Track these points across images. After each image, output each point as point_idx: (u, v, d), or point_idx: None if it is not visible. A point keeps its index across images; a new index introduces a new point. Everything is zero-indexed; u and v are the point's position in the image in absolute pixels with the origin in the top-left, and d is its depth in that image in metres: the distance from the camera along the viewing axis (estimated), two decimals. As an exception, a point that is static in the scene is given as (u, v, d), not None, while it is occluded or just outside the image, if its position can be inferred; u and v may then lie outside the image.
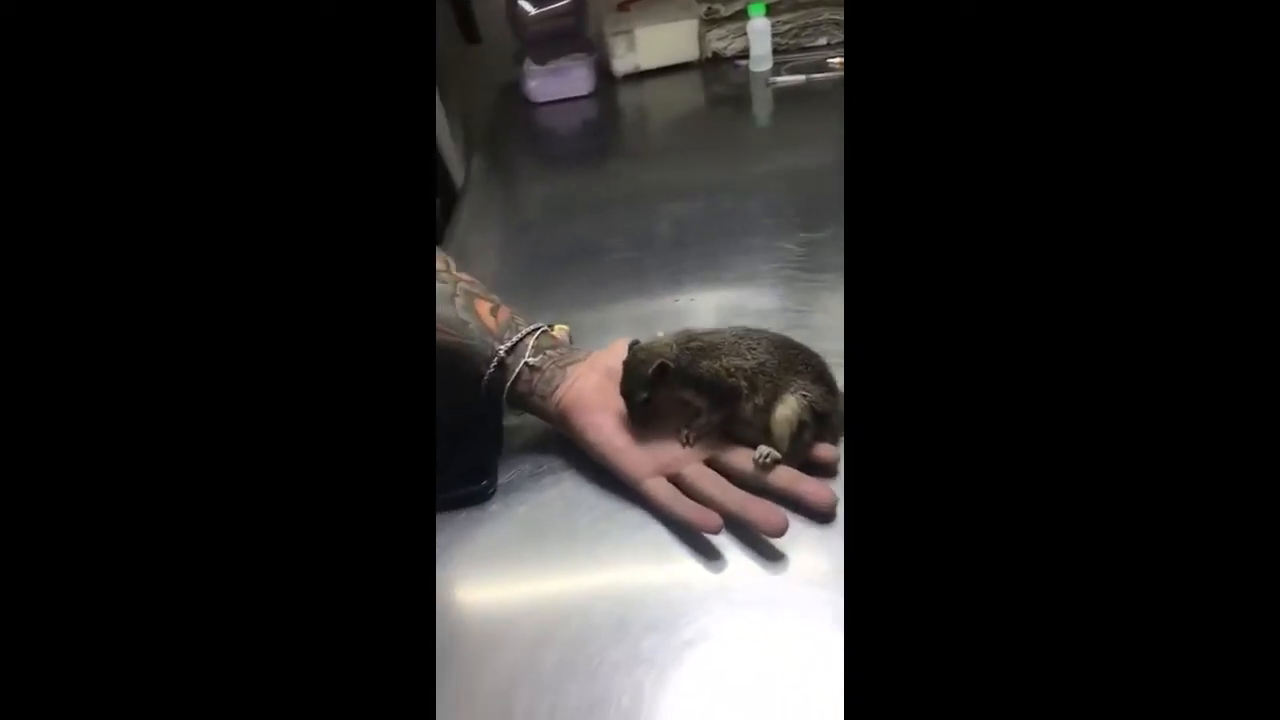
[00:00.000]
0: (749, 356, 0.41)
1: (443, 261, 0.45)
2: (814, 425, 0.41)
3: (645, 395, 0.41)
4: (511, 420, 0.49)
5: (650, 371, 0.41)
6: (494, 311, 0.45)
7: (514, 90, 1.15)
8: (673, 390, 0.42)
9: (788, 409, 0.41)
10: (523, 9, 1.11)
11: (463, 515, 0.45)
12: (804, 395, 0.41)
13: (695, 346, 0.42)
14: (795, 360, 0.42)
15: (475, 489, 0.45)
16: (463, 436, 0.49)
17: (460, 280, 0.45)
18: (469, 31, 1.17)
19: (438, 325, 0.43)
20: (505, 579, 0.42)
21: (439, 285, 0.44)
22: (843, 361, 0.41)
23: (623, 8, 1.12)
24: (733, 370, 0.41)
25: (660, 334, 0.43)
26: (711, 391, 0.42)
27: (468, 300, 0.44)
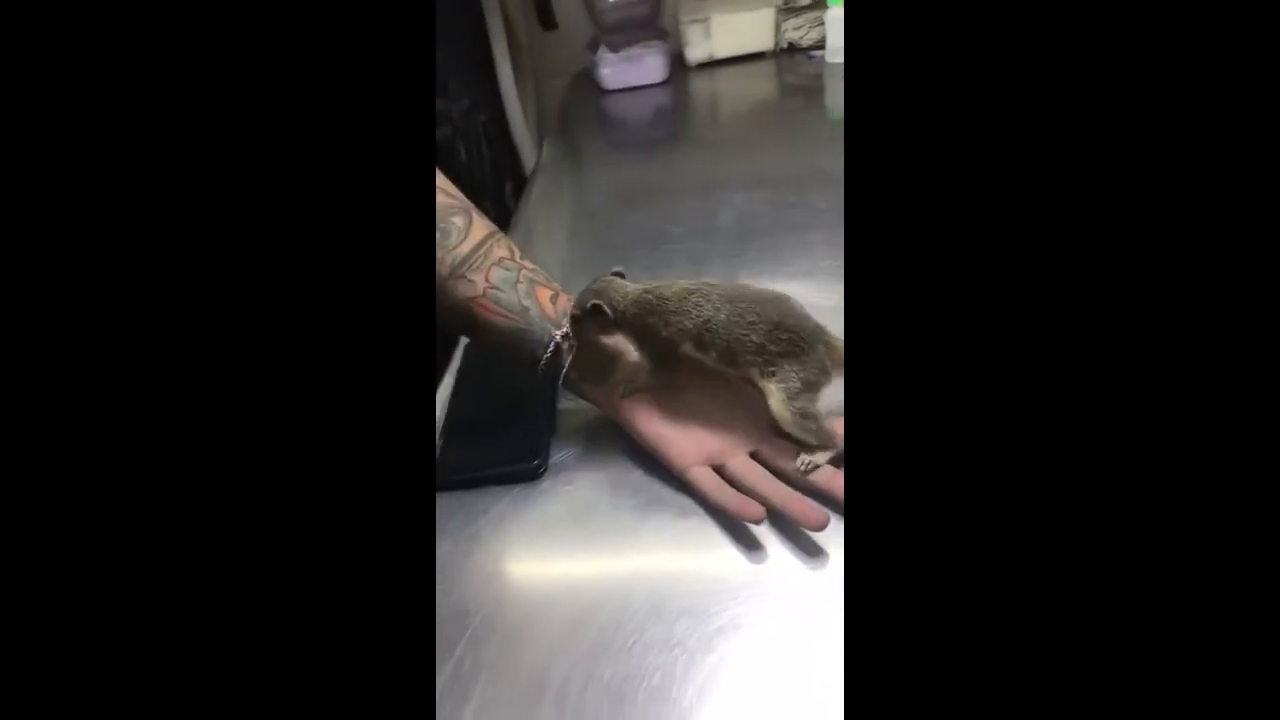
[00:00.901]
0: (694, 314, 0.41)
1: (507, 248, 0.46)
2: (813, 400, 0.41)
3: (576, 320, 0.43)
4: (565, 404, 0.51)
5: (588, 305, 0.43)
6: (554, 299, 0.46)
7: (587, 77, 1.16)
8: (610, 334, 0.44)
9: (778, 405, 0.40)
10: (600, -4, 1.12)
11: (513, 492, 0.46)
12: (782, 384, 0.40)
13: (647, 300, 0.42)
14: (748, 315, 0.40)
15: (527, 467, 0.47)
16: (516, 416, 0.50)
17: (524, 267, 0.46)
18: (545, 18, 1.19)
19: (500, 309, 0.45)
20: (550, 556, 0.43)
21: (504, 271, 0.45)
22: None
23: (699, -4, 1.12)
24: (675, 330, 0.41)
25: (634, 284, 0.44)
26: (650, 349, 0.43)
27: (529, 287, 0.46)
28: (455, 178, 0.47)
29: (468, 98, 1.09)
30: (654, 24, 1.14)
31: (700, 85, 1.11)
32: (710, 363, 0.42)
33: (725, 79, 1.10)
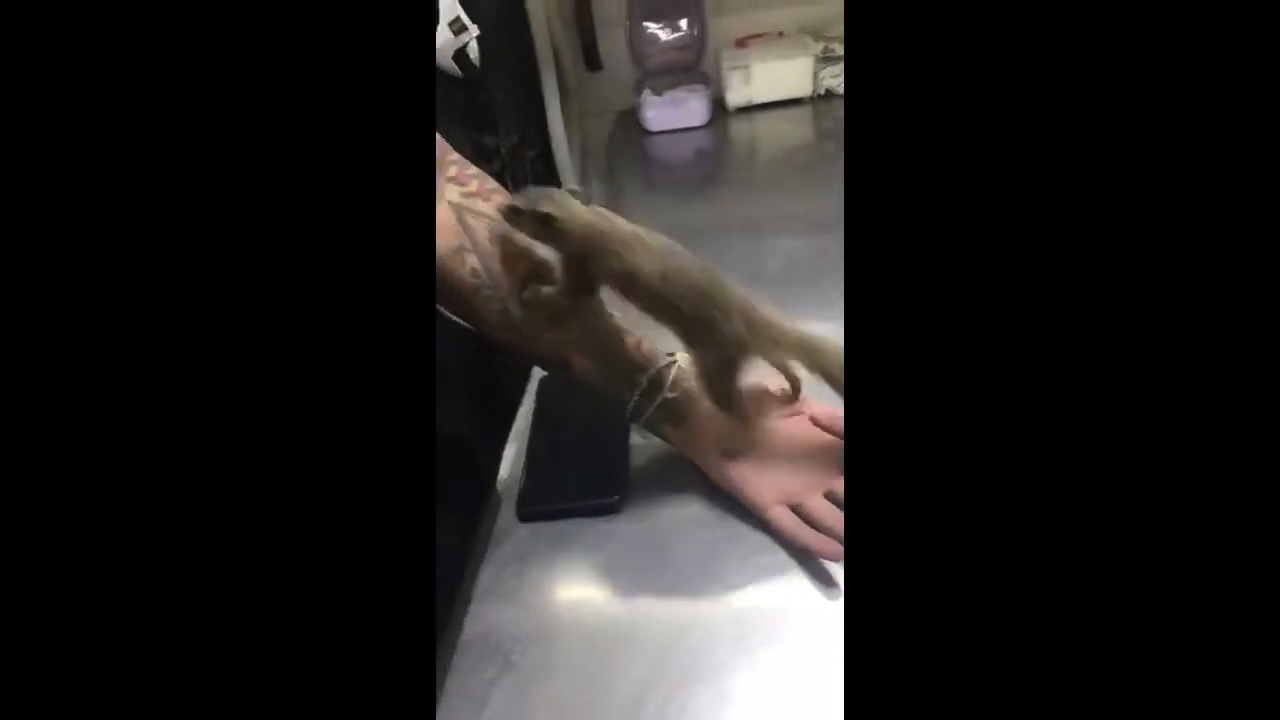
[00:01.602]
0: (628, 261, 0.43)
1: (596, 299, 0.50)
2: (732, 377, 0.44)
3: (516, 213, 0.44)
4: (637, 439, 0.54)
5: (540, 210, 0.43)
6: (639, 345, 0.49)
7: (631, 117, 1.21)
8: (543, 243, 0.45)
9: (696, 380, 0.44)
10: (650, 35, 1.17)
11: (593, 526, 0.50)
12: (700, 361, 0.43)
13: (594, 232, 0.43)
14: (676, 278, 0.43)
15: (607, 501, 0.50)
16: (592, 450, 0.54)
17: (614, 316, 0.49)
18: (591, 60, 1.23)
19: (592, 353, 0.48)
20: (633, 588, 0.46)
21: (601, 320, 0.49)
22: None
23: (740, 44, 1.16)
24: (605, 270, 0.43)
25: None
26: (574, 275, 0.45)
27: (619, 334, 0.49)
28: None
29: (516, 134, 1.13)
30: (696, 69, 1.18)
31: (740, 128, 1.15)
32: (635, 310, 0.44)
33: (764, 122, 1.15)
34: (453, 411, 0.52)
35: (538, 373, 0.63)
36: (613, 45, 1.22)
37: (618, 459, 0.53)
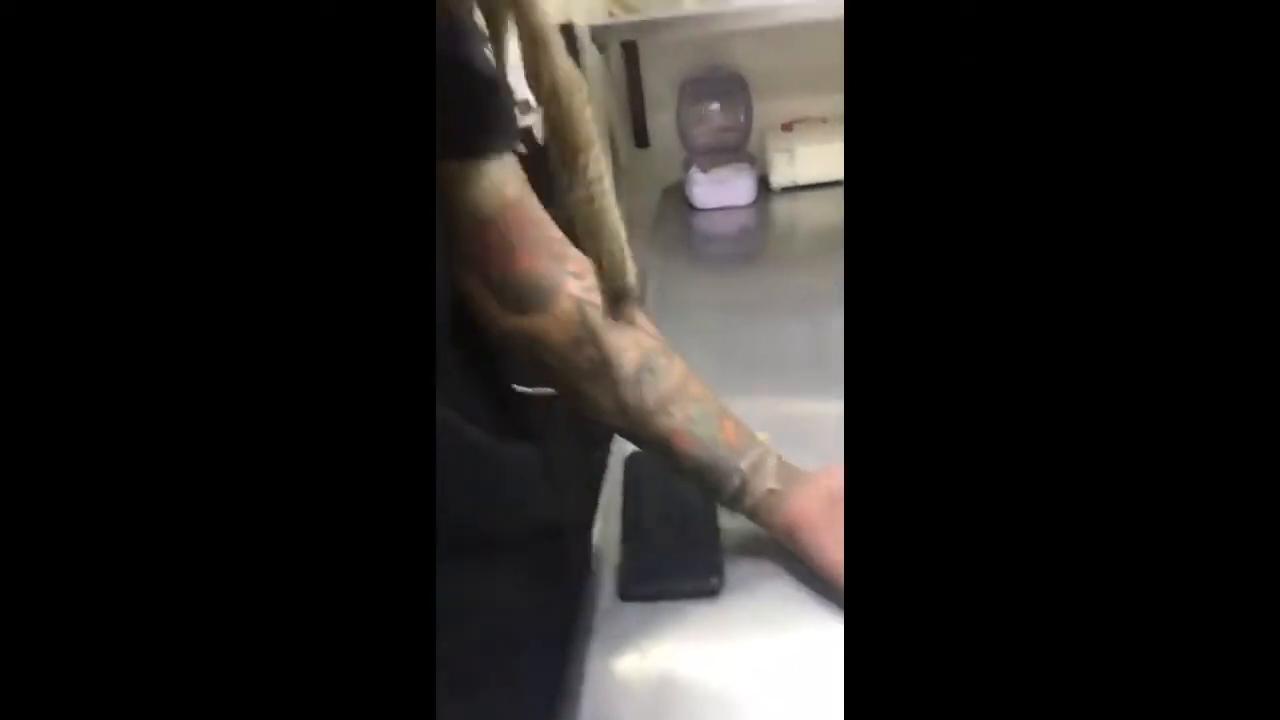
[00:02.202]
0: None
1: (699, 385, 0.52)
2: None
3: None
4: (725, 519, 0.56)
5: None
6: (735, 429, 0.52)
7: (676, 192, 1.26)
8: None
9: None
10: (698, 117, 1.22)
11: (694, 609, 0.51)
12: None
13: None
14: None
15: (707, 585, 0.52)
16: (687, 531, 0.56)
17: (713, 401, 0.52)
18: (640, 137, 1.29)
19: (695, 441, 0.51)
20: (737, 669, 0.47)
21: (698, 406, 0.51)
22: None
23: (786, 127, 1.22)
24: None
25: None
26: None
27: (718, 420, 0.51)
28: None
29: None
30: (742, 149, 1.24)
31: (783, 207, 1.20)
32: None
33: (807, 202, 1.19)
34: (545, 490, 0.54)
35: (621, 447, 0.65)
36: (661, 123, 1.28)
37: (711, 539, 0.55)
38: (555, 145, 0.42)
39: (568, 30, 1.09)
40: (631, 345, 0.50)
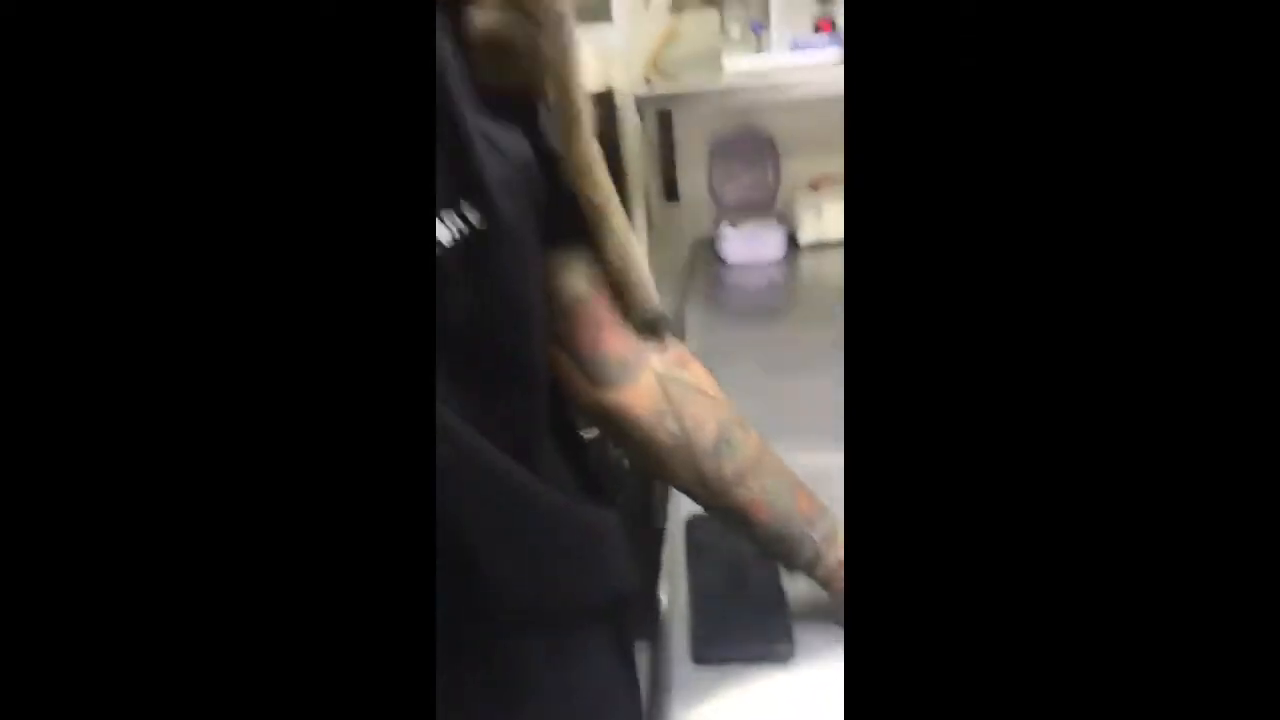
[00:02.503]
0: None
1: (774, 457, 0.54)
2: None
3: None
4: (789, 583, 0.58)
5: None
6: (807, 499, 0.54)
7: (706, 246, 1.29)
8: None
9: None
10: (728, 174, 1.26)
11: (765, 674, 0.53)
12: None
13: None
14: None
15: (779, 650, 0.53)
16: (756, 595, 0.57)
17: (788, 473, 0.54)
18: (670, 191, 1.33)
19: (772, 512, 0.53)
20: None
21: (774, 479, 0.53)
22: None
23: (814, 185, 1.26)
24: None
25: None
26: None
27: (792, 491, 0.53)
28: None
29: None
30: (770, 206, 1.27)
31: (811, 263, 1.23)
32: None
33: (835, 257, 1.23)
34: (623, 555, 0.56)
35: (680, 506, 0.67)
36: (692, 179, 1.32)
37: (779, 603, 0.57)
38: (579, 199, 0.46)
39: (607, 97, 1.14)
40: (710, 418, 0.52)
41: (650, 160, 1.28)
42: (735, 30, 1.04)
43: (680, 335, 1.13)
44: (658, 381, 0.52)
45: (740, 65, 1.02)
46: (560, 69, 0.42)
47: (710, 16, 1.21)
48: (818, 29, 1.00)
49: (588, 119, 0.44)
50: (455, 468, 0.38)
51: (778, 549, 0.53)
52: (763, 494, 0.52)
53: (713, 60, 1.09)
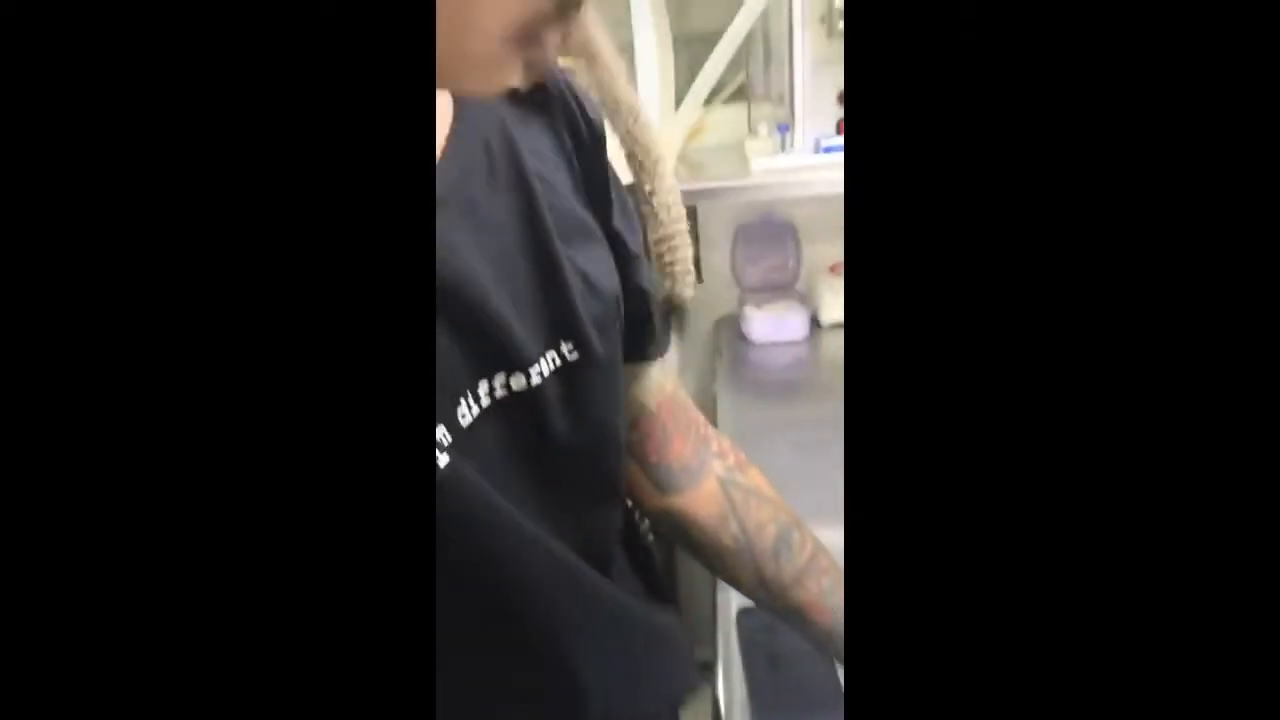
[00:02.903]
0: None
1: (828, 558, 0.57)
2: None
3: None
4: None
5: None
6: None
7: (729, 323, 1.33)
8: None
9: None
10: (750, 257, 1.31)
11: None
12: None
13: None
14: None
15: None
16: (815, 694, 0.59)
17: (840, 573, 0.56)
18: (695, 271, 1.38)
19: (829, 612, 0.55)
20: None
21: (828, 579, 0.55)
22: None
23: (834, 269, 1.31)
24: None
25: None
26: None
27: (837, 577, 0.56)
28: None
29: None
30: (791, 287, 1.32)
31: (834, 342, 1.27)
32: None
33: (855, 338, 1.27)
34: (687, 656, 0.58)
35: (729, 600, 0.69)
36: (714, 260, 1.37)
37: (837, 696, 0.58)
38: (648, 217, 0.51)
39: (633, 191, 1.19)
40: (769, 520, 0.55)
41: (676, 244, 1.33)
42: (762, 129, 1.10)
43: (711, 414, 1.16)
44: (720, 486, 0.55)
45: (765, 164, 1.07)
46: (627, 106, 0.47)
47: (738, 113, 1.28)
48: (839, 130, 1.06)
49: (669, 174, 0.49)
50: (553, 583, 0.41)
51: (834, 646, 0.56)
52: (819, 595, 0.55)
53: (739, 154, 1.15)
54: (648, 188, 0.49)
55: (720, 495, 0.55)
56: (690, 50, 1.26)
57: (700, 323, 1.38)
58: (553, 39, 0.31)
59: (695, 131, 1.27)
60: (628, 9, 1.24)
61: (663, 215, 0.50)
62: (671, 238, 0.51)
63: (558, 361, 0.41)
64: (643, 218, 0.50)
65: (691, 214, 1.33)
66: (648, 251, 0.51)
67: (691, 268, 0.53)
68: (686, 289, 0.52)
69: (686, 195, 1.20)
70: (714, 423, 1.12)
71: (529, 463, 0.41)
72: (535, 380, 0.39)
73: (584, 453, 0.44)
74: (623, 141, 0.49)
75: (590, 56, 0.46)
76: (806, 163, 1.07)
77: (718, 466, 0.56)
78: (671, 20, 1.20)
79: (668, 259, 0.50)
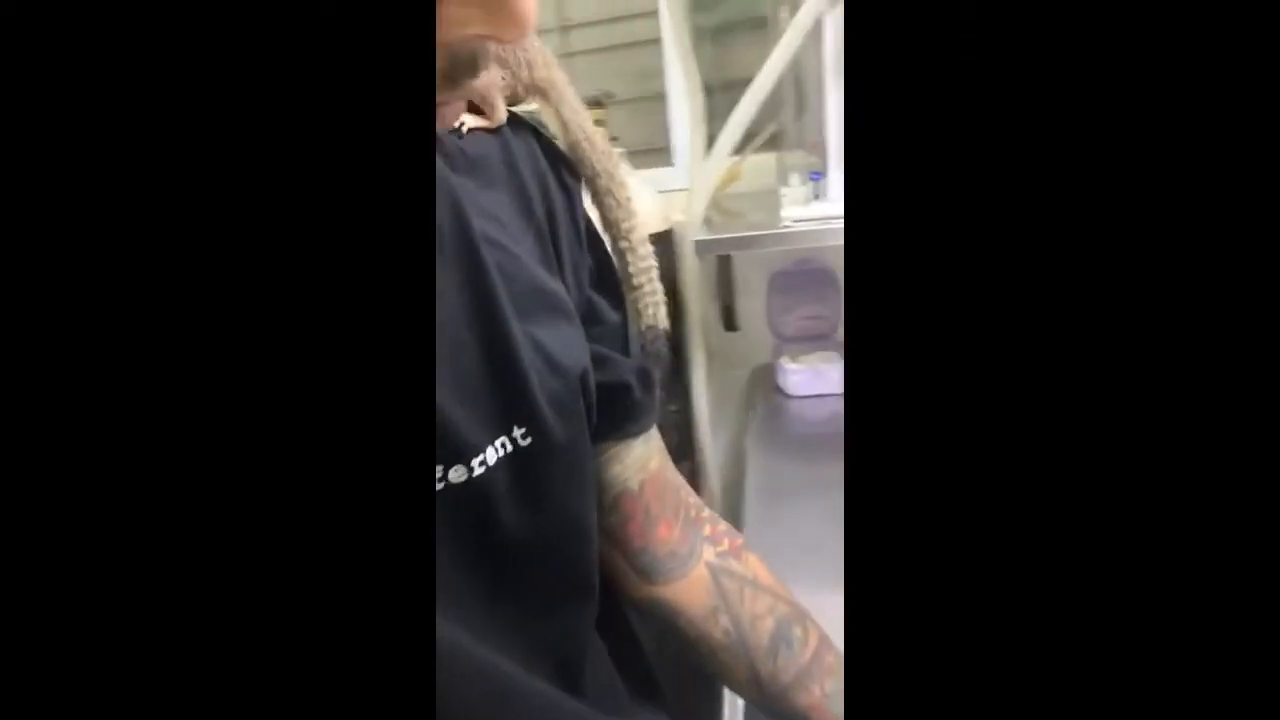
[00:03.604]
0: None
1: (833, 655, 0.51)
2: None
3: None
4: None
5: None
6: None
7: (765, 373, 1.28)
8: None
9: None
10: (786, 307, 1.27)
11: None
12: None
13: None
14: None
15: None
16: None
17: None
18: (729, 321, 1.34)
19: (830, 715, 0.49)
20: None
21: (834, 680, 0.50)
22: None
23: (875, 318, 1.25)
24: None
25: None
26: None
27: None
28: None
29: (663, 392, 1.22)
30: (829, 338, 1.27)
31: (874, 395, 1.21)
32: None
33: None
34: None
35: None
36: (750, 308, 1.33)
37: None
38: (625, 253, 0.50)
39: (666, 236, 1.17)
40: (766, 612, 0.50)
41: (709, 292, 1.30)
42: (795, 178, 1.06)
43: (740, 471, 1.11)
44: (710, 574, 0.51)
45: (798, 212, 1.03)
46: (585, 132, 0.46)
47: (770, 161, 1.24)
48: (875, 175, 1.01)
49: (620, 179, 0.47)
50: (502, 706, 0.37)
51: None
52: (823, 700, 0.49)
53: (772, 202, 1.12)
54: (625, 224, 0.47)
55: (710, 585, 0.50)
56: (729, 97, 1.24)
57: (735, 374, 1.33)
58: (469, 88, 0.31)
59: (730, 178, 1.24)
60: (660, 58, 1.23)
61: (641, 249, 0.48)
62: (649, 270, 0.49)
63: (508, 448, 0.38)
64: (620, 253, 0.47)
65: (726, 262, 1.31)
66: (629, 288, 0.48)
67: (663, 299, 0.52)
68: (662, 320, 0.50)
69: (720, 244, 1.18)
70: (742, 481, 1.07)
71: (475, 562, 0.37)
72: (478, 471, 0.36)
73: (543, 546, 0.40)
74: (593, 180, 0.46)
75: (551, 96, 0.44)
76: (839, 210, 1.03)
77: (709, 553, 0.51)
78: (705, 67, 1.18)
79: (648, 288, 0.48)
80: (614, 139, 1.17)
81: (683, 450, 1.25)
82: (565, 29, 1.41)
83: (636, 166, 1.26)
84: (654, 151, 1.34)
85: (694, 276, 1.18)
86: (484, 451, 0.37)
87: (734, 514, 0.94)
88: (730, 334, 1.35)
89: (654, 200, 1.19)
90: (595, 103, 1.14)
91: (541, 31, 1.38)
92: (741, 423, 1.21)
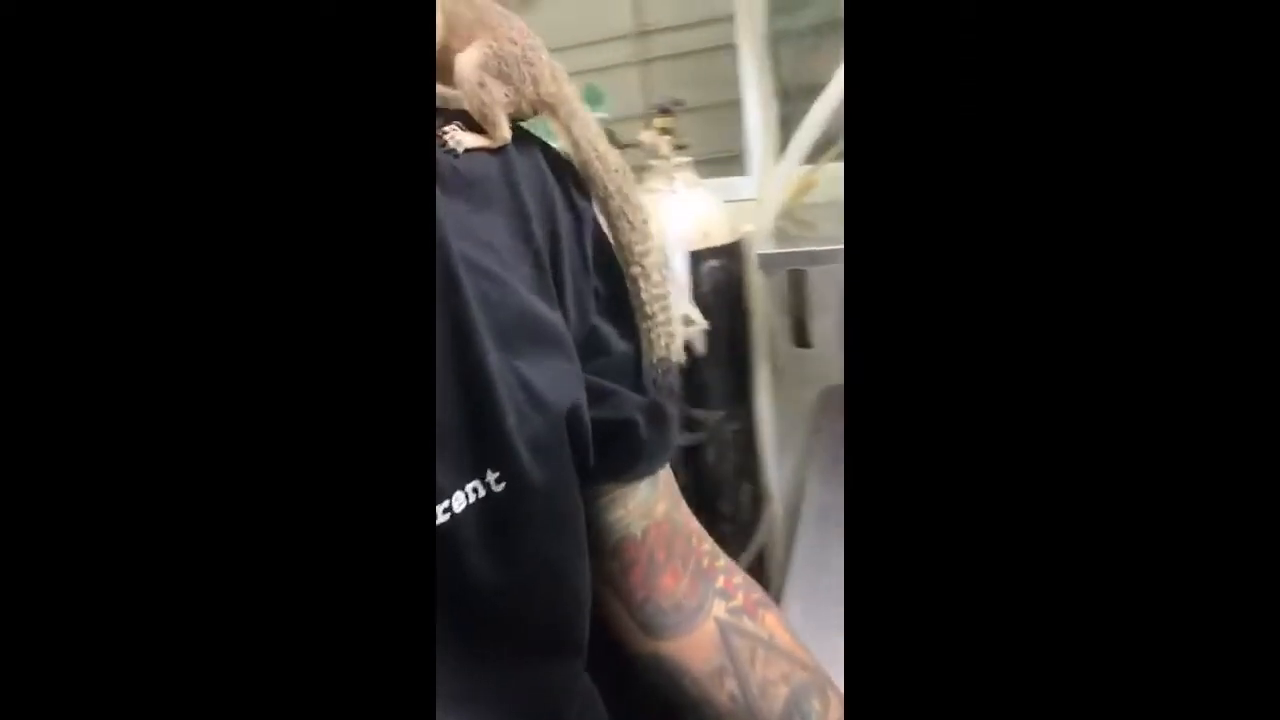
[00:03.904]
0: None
1: (839, 716, 0.46)
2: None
3: None
4: None
5: None
6: None
7: (835, 397, 1.22)
8: None
9: None
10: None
11: None
12: None
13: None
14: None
15: None
16: None
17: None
18: (801, 338, 1.27)
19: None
20: None
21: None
22: None
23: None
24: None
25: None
26: None
27: None
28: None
29: (724, 409, 1.17)
30: (908, 358, 1.19)
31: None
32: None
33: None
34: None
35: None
36: (824, 325, 1.26)
37: None
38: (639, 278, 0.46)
39: (734, 248, 1.12)
40: (780, 679, 0.46)
41: (778, 305, 1.24)
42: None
43: (798, 498, 1.05)
44: (719, 631, 0.46)
45: (872, 224, 0.97)
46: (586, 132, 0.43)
47: (842, 170, 1.18)
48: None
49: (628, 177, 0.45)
50: None
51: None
52: (839, 779, 0.44)
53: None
54: (639, 247, 0.43)
55: (718, 643, 0.46)
56: (809, 104, 1.18)
57: (804, 393, 1.27)
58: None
59: (805, 187, 1.18)
60: (735, 65, 1.19)
61: (655, 275, 0.44)
62: (665, 295, 0.45)
63: (479, 492, 0.35)
64: (633, 279, 0.43)
65: (799, 275, 1.24)
66: (643, 316, 0.45)
67: (678, 330, 0.48)
68: (676, 353, 0.46)
69: (790, 257, 1.12)
70: (798, 508, 1.01)
71: (441, 614, 0.35)
72: (442, 518, 0.33)
73: (518, 597, 0.37)
74: (605, 202, 0.43)
75: (560, 113, 0.41)
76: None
77: (719, 607, 0.47)
78: (785, 72, 1.13)
79: (661, 318, 0.44)
80: (682, 146, 1.13)
81: (743, 472, 1.20)
82: (643, 34, 1.38)
83: (709, 175, 1.22)
84: (728, 159, 1.29)
85: (760, 290, 1.13)
86: (450, 498, 0.34)
87: (787, 545, 0.88)
88: (801, 350, 1.28)
89: (720, 210, 1.15)
90: (663, 110, 1.11)
91: (618, 38, 1.36)
92: (804, 447, 1.15)
